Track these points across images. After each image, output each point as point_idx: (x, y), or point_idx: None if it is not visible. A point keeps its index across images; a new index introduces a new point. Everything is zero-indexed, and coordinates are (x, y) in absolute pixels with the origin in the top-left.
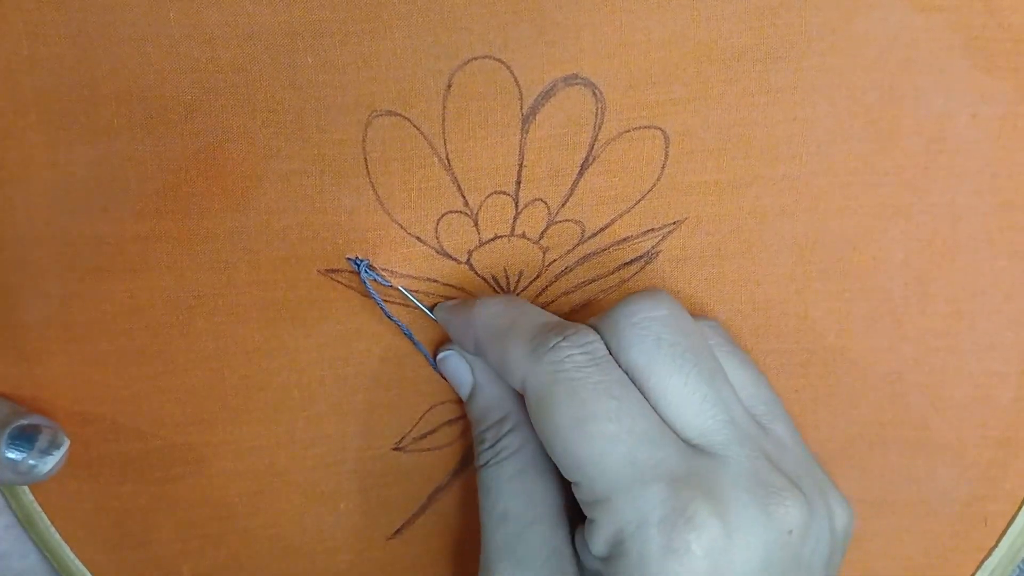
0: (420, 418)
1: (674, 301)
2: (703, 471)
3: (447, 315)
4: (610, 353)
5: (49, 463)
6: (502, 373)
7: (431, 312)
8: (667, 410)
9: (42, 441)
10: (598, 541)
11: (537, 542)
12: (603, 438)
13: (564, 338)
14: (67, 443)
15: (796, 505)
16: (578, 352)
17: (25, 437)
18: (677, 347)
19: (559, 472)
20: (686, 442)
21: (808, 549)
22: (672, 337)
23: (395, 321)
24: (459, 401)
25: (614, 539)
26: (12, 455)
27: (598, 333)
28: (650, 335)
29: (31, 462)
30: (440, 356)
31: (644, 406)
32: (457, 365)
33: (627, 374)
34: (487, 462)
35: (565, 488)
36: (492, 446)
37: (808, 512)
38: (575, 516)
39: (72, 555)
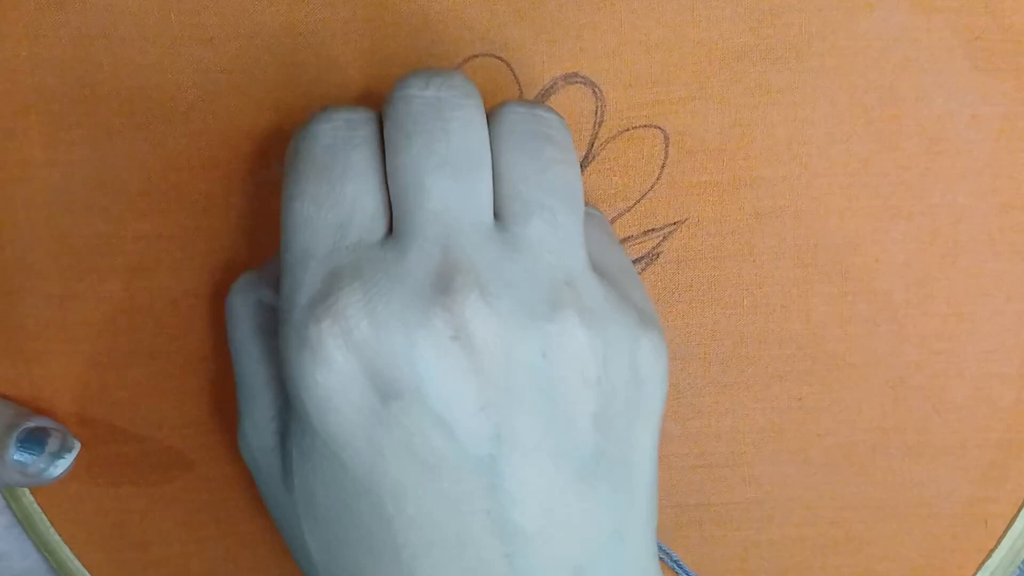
0: None
1: (468, 86)
2: (377, 263)
3: None
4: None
5: (60, 467)
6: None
7: None
8: (390, 187)
9: (52, 444)
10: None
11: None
12: (298, 217)
13: (325, 112)
14: (78, 446)
15: (471, 310)
16: (327, 125)
17: (34, 440)
18: (419, 122)
19: None
20: (392, 226)
21: (489, 370)
22: (425, 113)
23: None
24: None
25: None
26: (21, 458)
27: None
28: (407, 105)
29: (41, 466)
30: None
31: (364, 195)
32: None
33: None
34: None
35: None
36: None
37: (496, 325)
38: None
39: (72, 556)
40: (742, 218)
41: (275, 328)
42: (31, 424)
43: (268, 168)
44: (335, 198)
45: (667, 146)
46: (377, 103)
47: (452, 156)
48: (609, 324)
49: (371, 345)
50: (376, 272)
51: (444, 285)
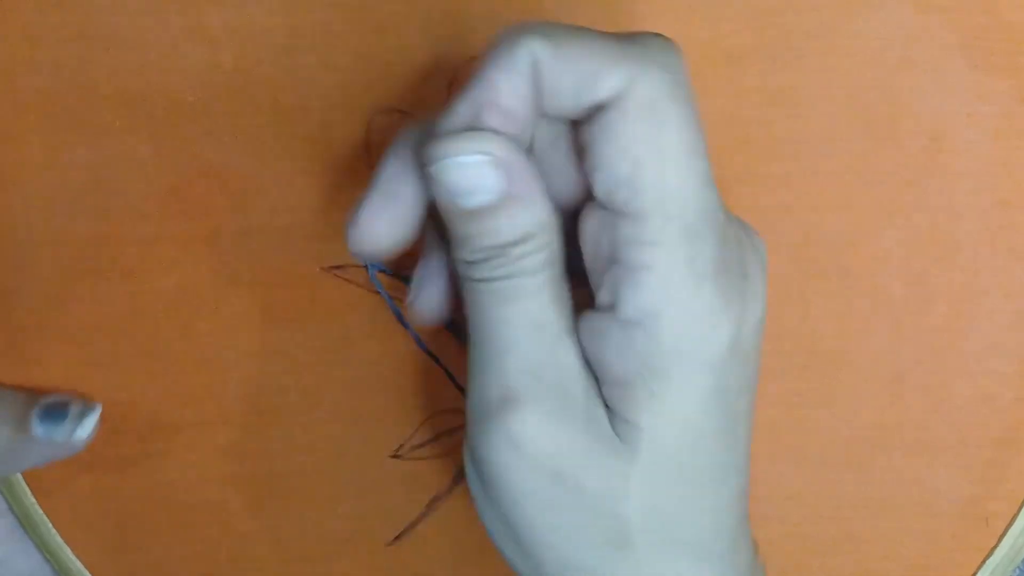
0: (419, 427)
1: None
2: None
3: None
4: None
5: (87, 428)
6: (583, 88)
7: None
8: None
9: (73, 411)
10: (647, 291)
11: (570, 360)
12: (704, 175)
13: (513, 237)
14: (99, 407)
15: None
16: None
17: (54, 412)
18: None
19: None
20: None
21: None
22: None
23: (404, 324)
24: (458, 411)
25: (663, 292)
26: (47, 431)
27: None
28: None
29: (67, 429)
30: (455, 159)
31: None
32: (483, 170)
33: None
34: (507, 275)
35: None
36: (516, 260)
37: None
38: None
39: (73, 557)
40: (741, 215)
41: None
42: (49, 400)
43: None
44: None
45: None
46: (377, 103)
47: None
48: None
49: None
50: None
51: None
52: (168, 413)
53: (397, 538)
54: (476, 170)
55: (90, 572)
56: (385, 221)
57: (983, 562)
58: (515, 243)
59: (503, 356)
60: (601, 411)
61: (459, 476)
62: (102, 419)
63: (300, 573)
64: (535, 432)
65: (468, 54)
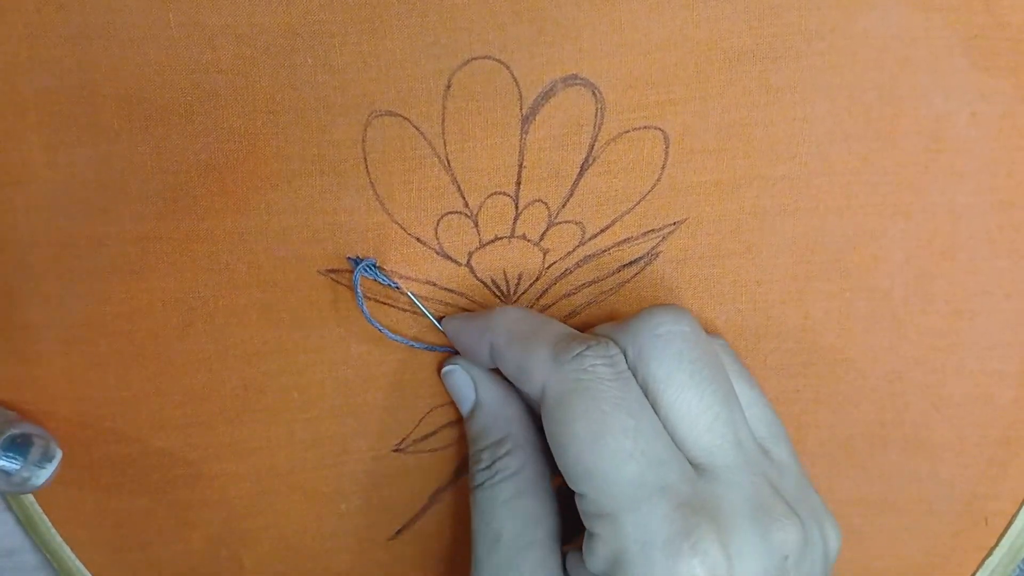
0: (420, 420)
1: (693, 318)
2: (708, 495)
3: (458, 324)
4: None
5: (43, 476)
6: (519, 379)
7: (438, 323)
8: (679, 425)
9: (35, 453)
10: (598, 557)
11: (530, 567)
12: (618, 453)
13: (588, 347)
14: (60, 455)
15: (794, 531)
16: (601, 363)
17: (17, 447)
18: (696, 363)
19: (553, 496)
20: (692, 461)
21: (802, 574)
22: (692, 353)
23: (376, 325)
24: None
25: (615, 557)
26: (5, 466)
27: (616, 343)
28: (672, 348)
29: (24, 475)
30: (444, 370)
31: (658, 426)
32: (461, 380)
33: (642, 386)
34: (482, 483)
35: (559, 512)
36: (488, 466)
37: (804, 538)
38: (566, 538)
39: (73, 556)
40: (742, 217)
41: (550, 490)
42: (15, 431)
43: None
44: (645, 431)
45: (667, 147)
46: (375, 104)
47: (731, 388)
48: (827, 522)
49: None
50: (718, 506)
51: (769, 512)
52: (168, 413)
53: (399, 532)
54: (455, 377)
55: (90, 572)
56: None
57: (983, 561)
58: (486, 447)
59: (476, 562)
60: None
61: (460, 469)
62: (102, 420)
63: (302, 570)
64: None
65: (466, 55)
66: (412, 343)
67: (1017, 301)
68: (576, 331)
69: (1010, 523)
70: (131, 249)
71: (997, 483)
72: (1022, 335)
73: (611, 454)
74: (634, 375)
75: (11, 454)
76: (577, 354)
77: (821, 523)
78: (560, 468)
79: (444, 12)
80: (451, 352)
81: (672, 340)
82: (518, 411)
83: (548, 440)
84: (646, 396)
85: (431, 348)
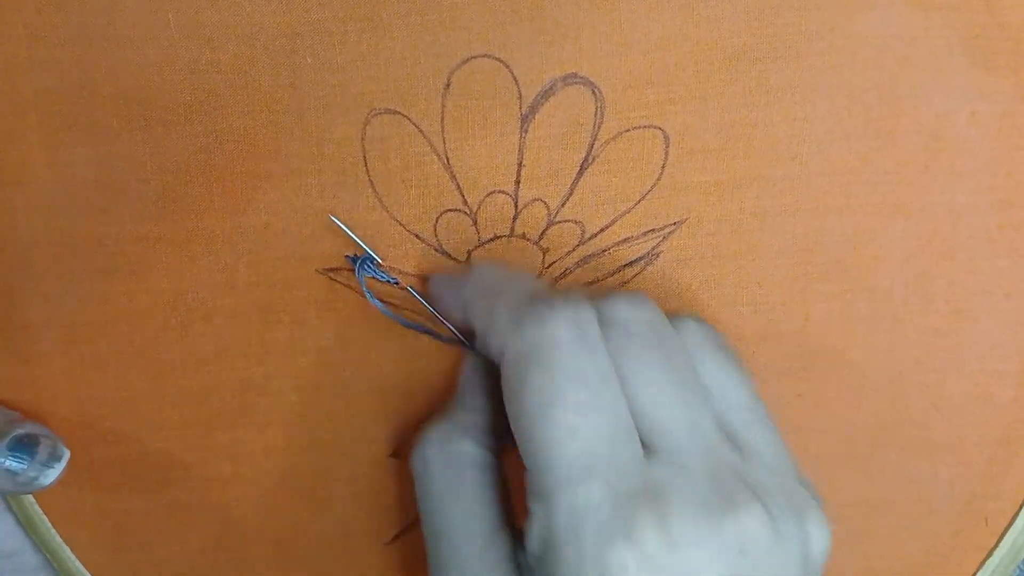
0: (417, 426)
1: (656, 306)
2: (655, 479)
3: (439, 283)
4: None
5: (51, 476)
6: (484, 341)
7: (440, 315)
8: (632, 406)
9: (42, 453)
10: (533, 538)
11: (479, 552)
12: (561, 429)
13: (552, 308)
14: (67, 454)
15: (755, 522)
16: (565, 328)
17: (24, 447)
18: (652, 346)
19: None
20: (645, 443)
21: (768, 573)
22: (649, 336)
23: (392, 315)
24: None
25: (546, 540)
26: (12, 466)
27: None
28: (627, 331)
29: (31, 474)
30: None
31: (617, 403)
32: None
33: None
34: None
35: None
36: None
37: (772, 531)
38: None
39: (73, 557)
40: (742, 217)
41: (490, 480)
42: (21, 431)
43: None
44: (598, 407)
45: (667, 146)
46: (375, 103)
47: (690, 371)
48: (820, 513)
49: (668, 567)
50: (663, 492)
51: (727, 500)
52: (167, 413)
53: (396, 537)
54: None
55: (90, 572)
56: None
57: (983, 562)
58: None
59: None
60: None
61: None
62: (101, 420)
63: (298, 573)
64: None
65: (465, 54)
66: (420, 327)
67: (1017, 301)
68: (549, 287)
69: (1010, 523)
70: (131, 249)
71: (997, 483)
72: (1022, 335)
73: (555, 429)
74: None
75: (17, 454)
76: (539, 316)
77: (801, 517)
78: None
79: (444, 11)
80: (454, 342)
81: (628, 325)
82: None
83: (506, 410)
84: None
85: (436, 336)
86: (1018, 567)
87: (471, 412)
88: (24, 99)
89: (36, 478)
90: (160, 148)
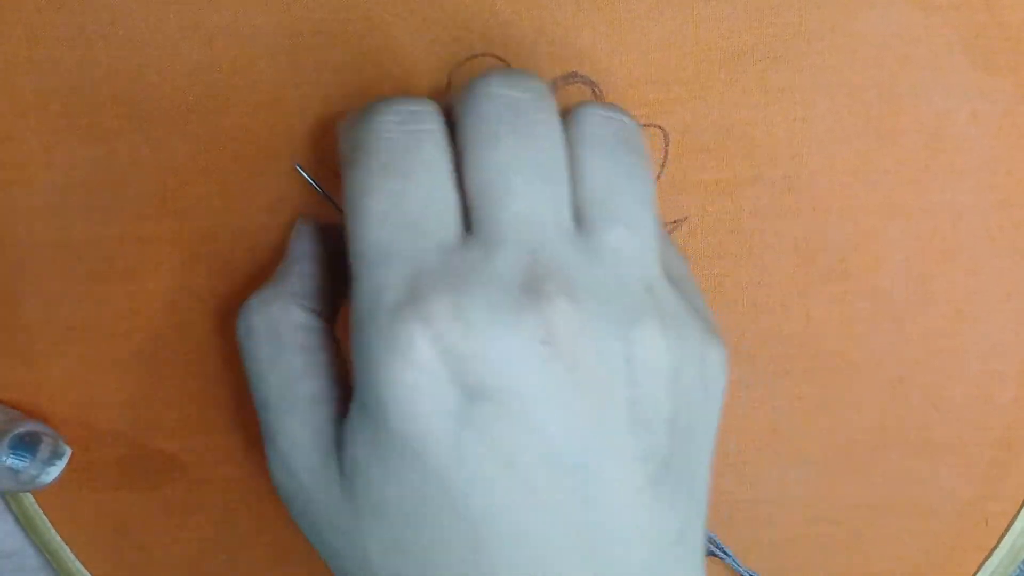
0: None
1: (545, 88)
2: (464, 265)
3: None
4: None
5: (52, 473)
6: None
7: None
8: (467, 184)
9: (43, 451)
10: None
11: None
12: (372, 216)
13: (388, 103)
14: (69, 452)
15: (562, 314)
16: (392, 119)
17: (25, 445)
18: (506, 131)
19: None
20: (472, 228)
21: (580, 375)
22: (506, 116)
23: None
24: None
25: (354, 323)
26: (13, 464)
27: (439, 104)
28: (491, 103)
29: (33, 472)
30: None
31: (440, 193)
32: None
33: (457, 146)
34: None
35: None
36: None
37: (584, 330)
38: None
39: (73, 557)
40: (742, 217)
41: (316, 344)
42: (22, 429)
43: (283, 166)
44: (410, 194)
45: (667, 145)
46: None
47: (539, 158)
48: (684, 332)
49: (461, 348)
50: (464, 274)
51: (534, 289)
52: (167, 414)
53: None
54: None
55: (90, 573)
56: None
57: (983, 562)
58: None
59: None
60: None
61: None
62: (101, 421)
63: (298, 573)
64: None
65: (465, 53)
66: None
67: (1018, 301)
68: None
69: (1010, 524)
70: (131, 249)
71: (998, 484)
72: (1022, 335)
73: (366, 216)
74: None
75: (19, 452)
76: (374, 109)
77: (629, 323)
78: None
79: (444, 10)
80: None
81: (498, 99)
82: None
83: None
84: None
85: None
86: (1018, 568)
87: (297, 277)
88: (24, 99)
89: (38, 476)
90: (160, 148)
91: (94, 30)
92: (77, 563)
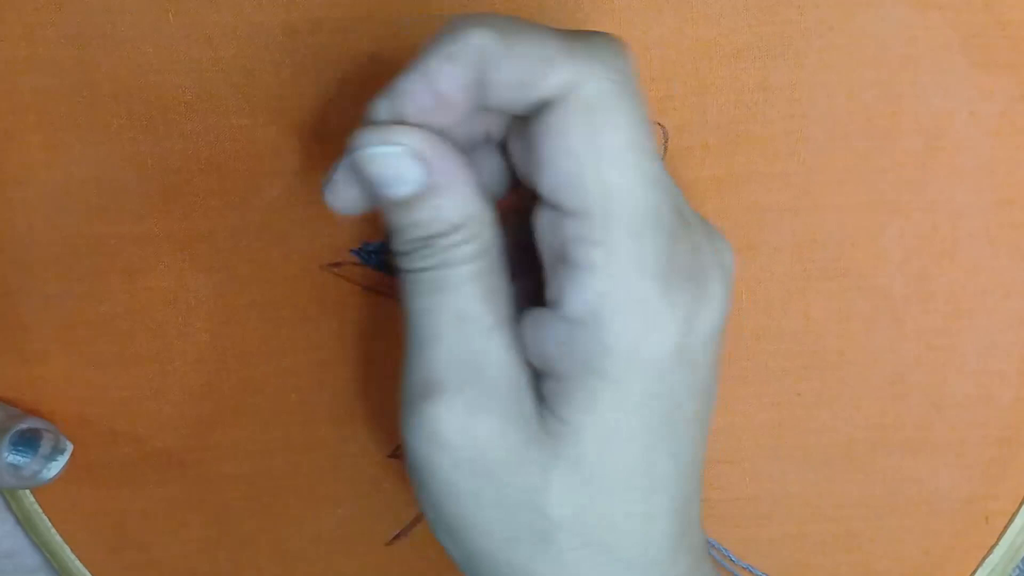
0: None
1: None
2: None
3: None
4: None
5: (54, 469)
6: (523, 83)
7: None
8: None
9: (44, 447)
10: (583, 292)
11: (498, 354)
12: (648, 175)
13: (622, 45)
14: (70, 448)
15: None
16: (629, 69)
17: (26, 442)
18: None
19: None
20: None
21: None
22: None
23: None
24: None
25: (603, 292)
26: (15, 460)
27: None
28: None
29: (35, 468)
30: (368, 151)
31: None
32: (402, 161)
33: None
34: (434, 265)
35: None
36: (442, 251)
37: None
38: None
39: (73, 556)
40: (741, 215)
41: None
42: (23, 426)
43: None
44: (655, 158)
45: (666, 142)
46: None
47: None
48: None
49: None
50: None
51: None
52: (167, 413)
53: (395, 538)
54: (395, 160)
55: (90, 572)
56: (354, 191)
57: (983, 560)
58: (440, 234)
59: (427, 346)
60: (531, 406)
61: None
62: (101, 419)
63: (298, 573)
64: (454, 424)
65: None
66: None
67: (1017, 300)
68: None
69: (1010, 522)
70: (131, 249)
71: (997, 482)
72: (1022, 335)
73: (641, 173)
74: None
75: (20, 448)
76: (616, 50)
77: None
78: (553, 185)
79: (444, 9)
80: None
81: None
82: (474, 177)
83: (542, 152)
84: None
85: None
86: (1018, 566)
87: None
88: (24, 99)
89: (39, 472)
90: (160, 147)
91: (94, 30)
92: (77, 562)
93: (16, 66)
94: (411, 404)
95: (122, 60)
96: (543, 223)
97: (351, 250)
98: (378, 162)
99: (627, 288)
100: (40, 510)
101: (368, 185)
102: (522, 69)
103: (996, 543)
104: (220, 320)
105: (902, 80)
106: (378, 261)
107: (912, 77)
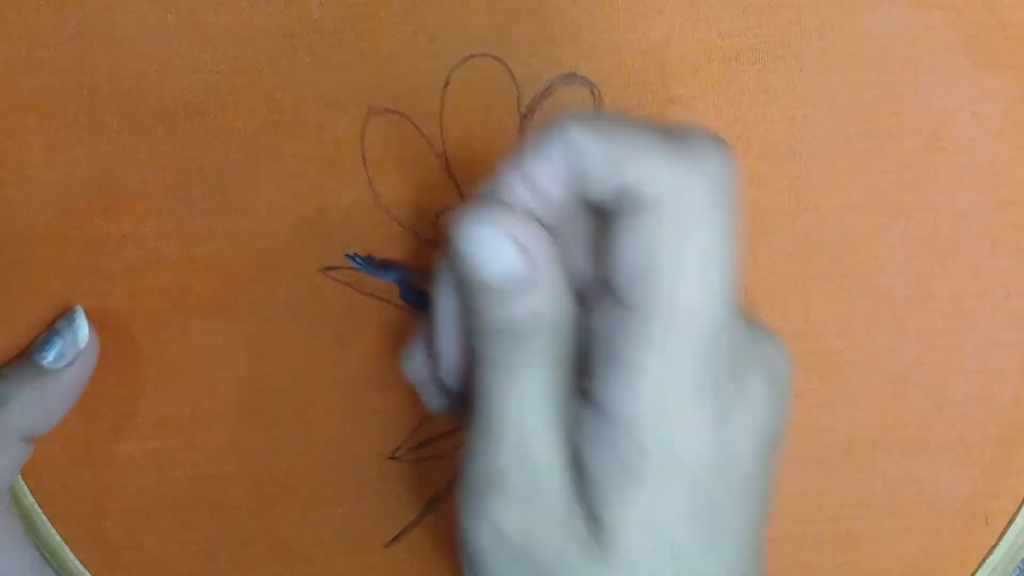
0: (416, 428)
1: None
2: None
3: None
4: None
5: (83, 329)
6: (607, 174)
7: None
8: None
9: (62, 328)
10: (624, 397)
11: (552, 451)
12: (715, 287)
13: (715, 142)
14: (78, 308)
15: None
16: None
17: (48, 341)
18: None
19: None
20: None
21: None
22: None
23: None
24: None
25: (643, 404)
26: (52, 356)
27: None
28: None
29: (70, 340)
30: (468, 230)
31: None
32: (505, 247)
33: None
34: (515, 355)
35: None
36: (529, 344)
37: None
38: None
39: (73, 557)
40: (742, 215)
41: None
42: (40, 338)
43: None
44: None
45: None
46: (373, 103)
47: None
48: None
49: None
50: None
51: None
52: (167, 413)
53: (395, 539)
54: (498, 245)
55: (90, 572)
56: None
57: (983, 561)
58: (527, 325)
59: (495, 435)
60: (576, 505)
61: (455, 481)
62: (101, 418)
63: (298, 573)
64: (515, 522)
65: (465, 53)
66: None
67: (1018, 300)
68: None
69: (1010, 522)
70: (131, 247)
71: (998, 482)
72: (1022, 335)
73: (713, 292)
74: None
75: (47, 347)
76: (719, 157)
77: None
78: (625, 279)
79: (442, 10)
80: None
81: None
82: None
83: (623, 246)
84: None
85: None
86: (1018, 566)
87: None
88: (24, 99)
89: (75, 341)
90: (160, 147)
91: (94, 30)
92: (77, 563)
93: (16, 66)
94: (475, 494)
95: (122, 61)
96: (601, 311)
97: (346, 254)
98: (481, 244)
99: (673, 397)
100: (40, 511)
101: (464, 265)
102: (622, 171)
103: (996, 543)
104: (220, 320)
105: (903, 81)
106: (371, 266)
107: (913, 78)
